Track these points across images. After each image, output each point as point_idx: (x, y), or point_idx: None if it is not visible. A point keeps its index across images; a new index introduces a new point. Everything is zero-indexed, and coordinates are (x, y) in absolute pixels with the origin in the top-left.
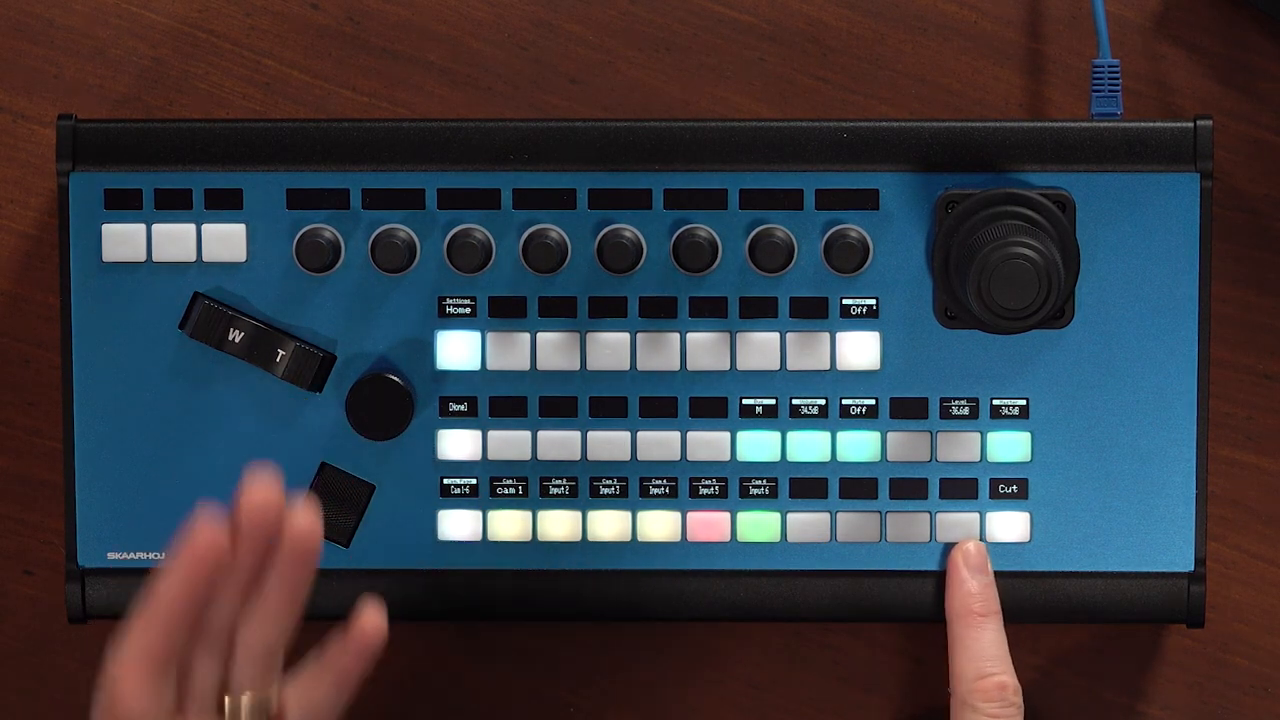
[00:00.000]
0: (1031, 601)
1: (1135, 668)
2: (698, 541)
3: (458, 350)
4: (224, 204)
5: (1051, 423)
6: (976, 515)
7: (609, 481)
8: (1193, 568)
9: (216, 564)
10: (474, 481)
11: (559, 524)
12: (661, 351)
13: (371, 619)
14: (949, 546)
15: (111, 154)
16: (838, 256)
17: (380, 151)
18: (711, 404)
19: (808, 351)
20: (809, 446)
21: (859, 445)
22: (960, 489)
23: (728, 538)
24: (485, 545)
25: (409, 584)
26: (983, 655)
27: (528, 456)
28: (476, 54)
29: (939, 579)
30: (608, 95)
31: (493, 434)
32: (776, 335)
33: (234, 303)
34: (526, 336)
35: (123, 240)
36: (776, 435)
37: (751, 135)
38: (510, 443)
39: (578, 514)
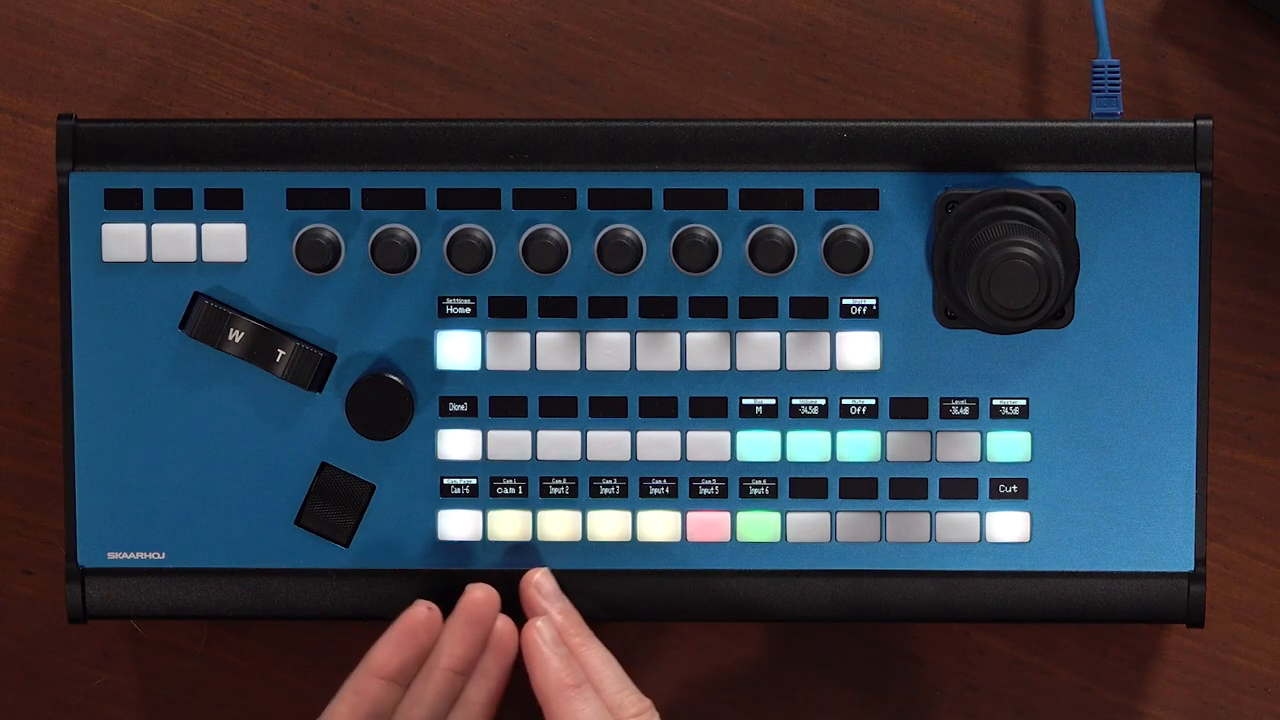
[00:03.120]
0: (1031, 601)
1: (1135, 668)
2: (698, 541)
3: (458, 350)
4: (224, 204)
5: (1051, 423)
6: (976, 515)
7: (609, 481)
8: (1193, 568)
9: (427, 637)
10: (474, 481)
11: (559, 524)
12: (661, 351)
13: (475, 599)
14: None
15: (111, 154)
16: (838, 256)
17: (380, 151)
18: (711, 404)
19: (808, 351)
20: (809, 446)
21: (859, 445)
22: (960, 489)
23: (728, 538)
24: (485, 545)
25: (409, 584)
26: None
27: (528, 456)
28: (476, 54)
29: (939, 579)
30: (608, 95)
31: (493, 434)
32: (776, 335)
33: (234, 303)
34: (526, 336)
35: (123, 240)
36: (776, 435)
37: (751, 135)
38: (510, 443)
39: (578, 514)
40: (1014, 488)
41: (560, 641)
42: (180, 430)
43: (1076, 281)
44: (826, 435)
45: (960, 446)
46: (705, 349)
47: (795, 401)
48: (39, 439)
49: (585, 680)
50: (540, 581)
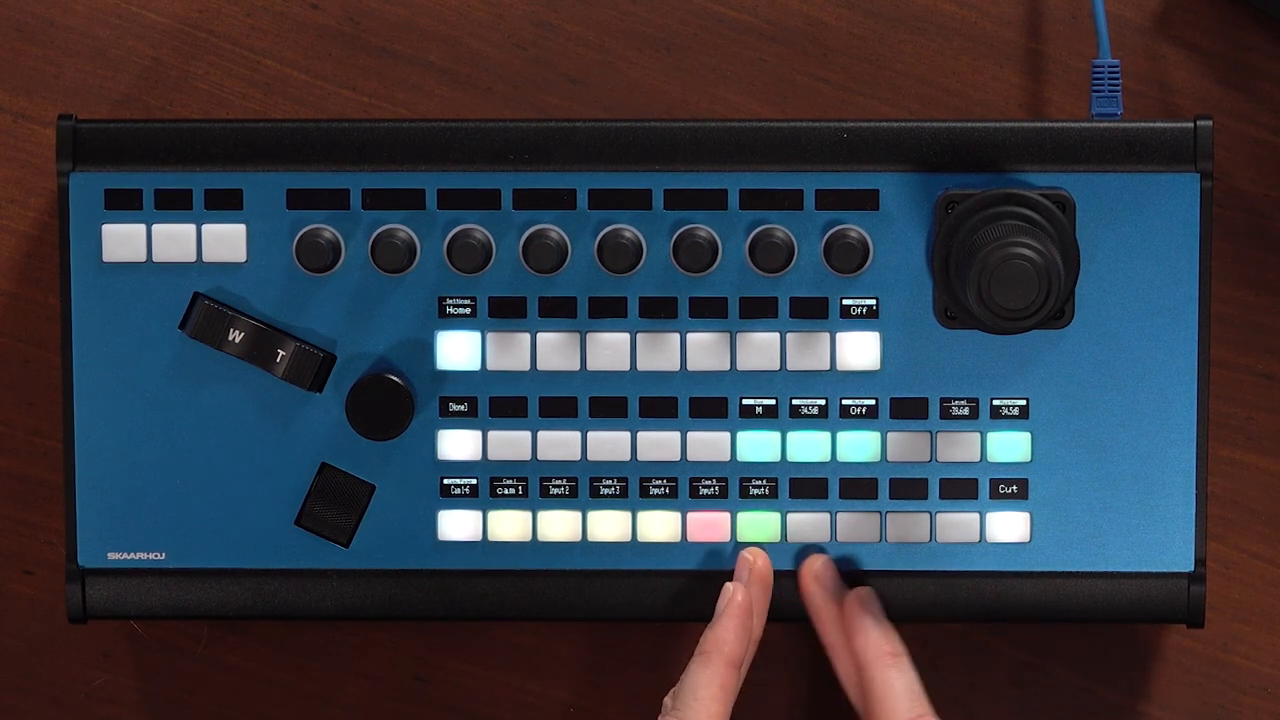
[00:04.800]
0: (1031, 601)
1: (1135, 668)
2: (698, 541)
3: (458, 350)
4: (224, 204)
5: (1051, 423)
6: (976, 515)
7: (609, 481)
8: (1193, 568)
9: (750, 614)
10: (474, 481)
11: (559, 524)
12: (661, 351)
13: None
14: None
15: (111, 154)
16: (838, 256)
17: (380, 151)
18: (711, 404)
19: (808, 351)
20: (809, 446)
21: (859, 445)
22: (960, 489)
23: (728, 538)
24: (485, 545)
25: (409, 584)
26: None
27: (528, 456)
28: (476, 54)
29: (939, 579)
30: (608, 95)
31: (493, 434)
32: (776, 335)
33: (234, 303)
34: (526, 336)
35: (123, 240)
36: (776, 435)
37: (751, 135)
38: (510, 443)
39: (578, 514)
40: (1014, 488)
41: (884, 614)
42: (180, 430)
43: (1076, 282)
44: (826, 435)
45: (960, 446)
46: (705, 349)
47: (795, 402)
48: (39, 439)
49: (904, 651)
50: (820, 572)
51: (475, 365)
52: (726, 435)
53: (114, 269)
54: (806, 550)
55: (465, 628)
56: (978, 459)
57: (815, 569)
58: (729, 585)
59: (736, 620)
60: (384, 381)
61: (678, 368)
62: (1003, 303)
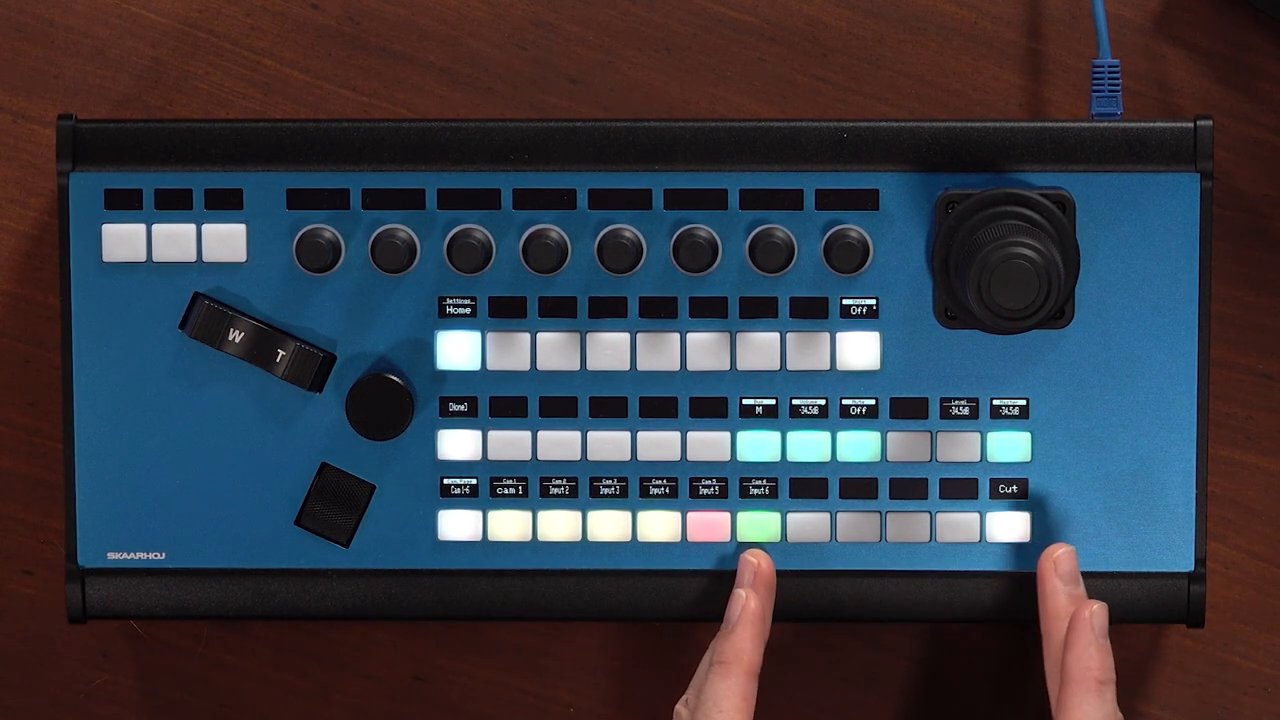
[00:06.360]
0: (1031, 601)
1: (1135, 668)
2: (698, 541)
3: (458, 350)
4: (224, 204)
5: (1051, 423)
6: (976, 515)
7: (609, 481)
8: (1193, 568)
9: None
10: (474, 481)
11: (559, 524)
12: (661, 351)
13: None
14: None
15: (111, 154)
16: (838, 256)
17: (380, 151)
18: (711, 404)
19: (808, 351)
20: (809, 446)
21: (859, 445)
22: (960, 489)
23: (728, 538)
24: (485, 545)
25: (409, 584)
26: None
27: (528, 456)
28: (476, 54)
29: (939, 579)
30: (608, 95)
31: (493, 434)
32: (776, 335)
33: (234, 303)
34: (526, 336)
35: (123, 240)
36: (776, 435)
37: (751, 135)
38: (510, 443)
39: (578, 514)
40: (1014, 488)
41: (1107, 635)
42: (180, 430)
43: (1076, 281)
44: (826, 435)
45: (960, 446)
46: (705, 349)
47: (795, 401)
48: (39, 439)
49: (1113, 680)
50: (1060, 560)
51: (475, 365)
52: (726, 435)
53: (114, 269)
54: (807, 550)
55: (465, 628)
56: (978, 459)
57: (1056, 555)
58: (740, 592)
59: (753, 629)
60: (384, 381)
61: (678, 368)
62: (1003, 303)
